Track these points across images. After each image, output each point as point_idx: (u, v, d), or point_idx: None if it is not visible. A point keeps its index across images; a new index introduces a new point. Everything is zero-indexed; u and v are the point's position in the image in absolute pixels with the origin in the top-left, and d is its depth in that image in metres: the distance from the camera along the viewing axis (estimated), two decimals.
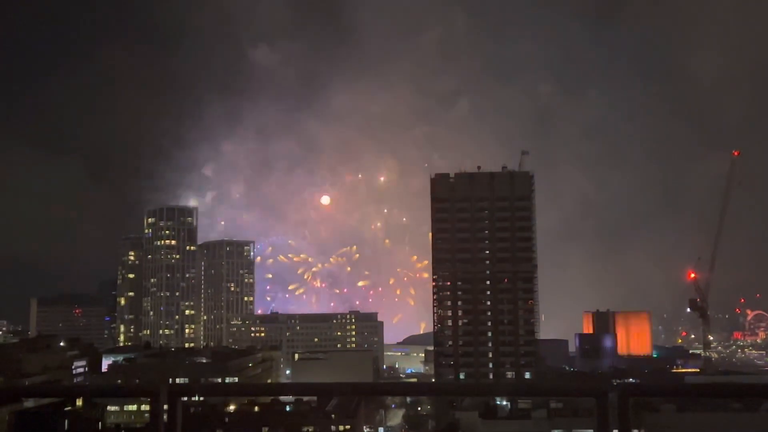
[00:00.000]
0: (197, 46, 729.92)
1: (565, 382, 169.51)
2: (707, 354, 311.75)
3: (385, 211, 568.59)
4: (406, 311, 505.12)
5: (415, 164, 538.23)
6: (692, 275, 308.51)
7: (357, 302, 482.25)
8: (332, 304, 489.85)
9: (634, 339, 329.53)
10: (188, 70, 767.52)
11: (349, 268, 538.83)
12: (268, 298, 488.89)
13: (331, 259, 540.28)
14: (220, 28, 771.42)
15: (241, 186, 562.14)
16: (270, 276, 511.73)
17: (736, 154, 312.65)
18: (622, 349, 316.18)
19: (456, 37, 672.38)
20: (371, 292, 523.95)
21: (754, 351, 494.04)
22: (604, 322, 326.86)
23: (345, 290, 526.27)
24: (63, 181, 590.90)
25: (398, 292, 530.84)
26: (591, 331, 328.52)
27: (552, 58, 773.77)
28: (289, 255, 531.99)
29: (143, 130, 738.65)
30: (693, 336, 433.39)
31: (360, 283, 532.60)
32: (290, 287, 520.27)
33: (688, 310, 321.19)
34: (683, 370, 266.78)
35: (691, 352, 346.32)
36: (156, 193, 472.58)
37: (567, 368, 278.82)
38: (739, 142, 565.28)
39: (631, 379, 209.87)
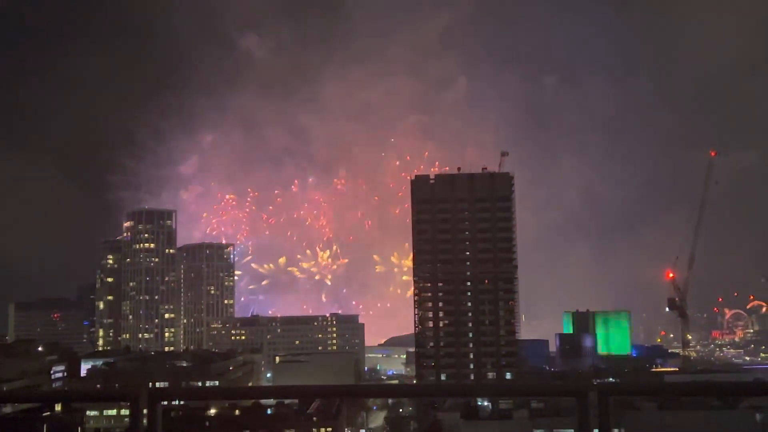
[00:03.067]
0: (178, 36, 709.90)
1: (545, 383, 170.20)
2: (686, 353, 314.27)
3: (375, 198, 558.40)
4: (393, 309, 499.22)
5: (414, 157, 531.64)
6: (671, 275, 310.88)
7: (353, 302, 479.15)
8: (324, 299, 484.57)
9: (613, 339, 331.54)
10: (168, 62, 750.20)
11: (337, 266, 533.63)
12: (242, 299, 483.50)
13: (319, 259, 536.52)
14: (201, 11, 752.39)
15: (225, 182, 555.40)
16: (252, 288, 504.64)
17: (713, 153, 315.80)
18: (602, 349, 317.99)
19: (457, 24, 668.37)
20: (357, 302, 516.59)
21: (732, 350, 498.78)
22: (584, 322, 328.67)
23: (328, 294, 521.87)
24: (38, 183, 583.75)
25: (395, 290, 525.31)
26: (571, 332, 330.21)
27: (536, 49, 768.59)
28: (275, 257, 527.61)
29: (120, 127, 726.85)
30: (672, 335, 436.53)
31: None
32: (264, 283, 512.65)
33: (667, 309, 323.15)
34: (662, 369, 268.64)
35: (670, 351, 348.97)
36: (135, 193, 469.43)
37: (548, 368, 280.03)
38: (719, 141, 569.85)
39: (611, 379, 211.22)
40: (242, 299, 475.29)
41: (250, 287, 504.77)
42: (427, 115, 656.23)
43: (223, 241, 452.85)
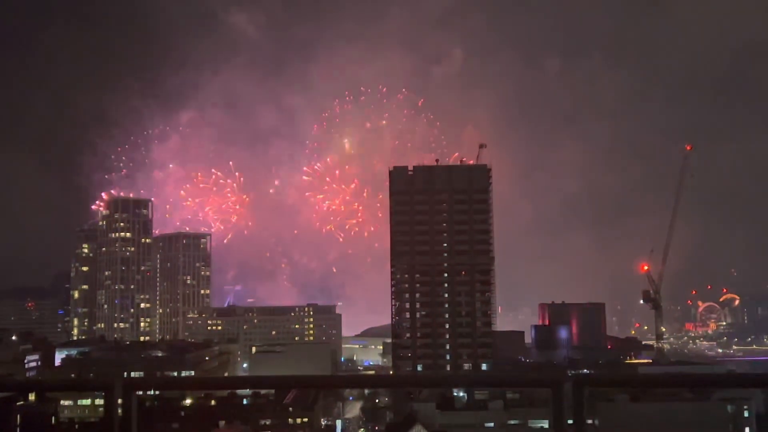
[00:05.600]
0: (158, 9, 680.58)
1: (521, 373, 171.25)
2: (660, 345, 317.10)
3: (365, 194, 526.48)
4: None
5: (406, 140, 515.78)
6: (645, 267, 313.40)
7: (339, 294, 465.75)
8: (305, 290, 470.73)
9: (588, 330, 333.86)
10: (147, 38, 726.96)
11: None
12: (225, 287, 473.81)
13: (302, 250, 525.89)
14: None
15: (207, 164, 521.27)
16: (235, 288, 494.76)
17: (689, 147, 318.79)
18: (577, 341, 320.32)
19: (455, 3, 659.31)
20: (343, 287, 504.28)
21: (705, 342, 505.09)
22: (560, 314, 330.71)
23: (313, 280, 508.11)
24: (8, 169, 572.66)
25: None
26: (547, 323, 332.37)
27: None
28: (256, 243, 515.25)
29: (96, 108, 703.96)
30: (646, 327, 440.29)
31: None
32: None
33: (642, 301, 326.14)
34: (636, 361, 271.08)
35: (644, 343, 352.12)
36: (110, 177, 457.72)
37: (523, 359, 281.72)
38: (695, 135, 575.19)
39: (585, 370, 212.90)
40: (225, 288, 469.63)
41: (229, 276, 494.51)
42: (421, 95, 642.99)
43: (203, 229, 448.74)
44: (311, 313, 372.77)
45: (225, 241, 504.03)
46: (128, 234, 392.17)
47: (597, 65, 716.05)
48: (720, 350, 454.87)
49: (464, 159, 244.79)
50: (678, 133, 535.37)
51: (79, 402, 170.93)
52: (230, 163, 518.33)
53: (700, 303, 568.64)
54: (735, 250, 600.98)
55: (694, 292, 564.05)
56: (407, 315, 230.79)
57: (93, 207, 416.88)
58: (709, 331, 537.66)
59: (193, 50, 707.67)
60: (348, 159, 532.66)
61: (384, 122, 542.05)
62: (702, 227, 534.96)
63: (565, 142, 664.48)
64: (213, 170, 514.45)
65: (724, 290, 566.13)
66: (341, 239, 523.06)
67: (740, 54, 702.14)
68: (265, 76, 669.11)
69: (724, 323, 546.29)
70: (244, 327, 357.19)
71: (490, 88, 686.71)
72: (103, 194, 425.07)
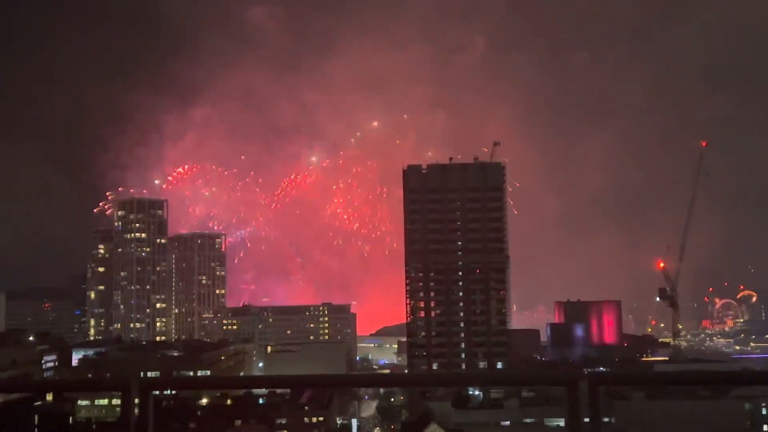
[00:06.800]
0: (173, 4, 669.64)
1: (536, 372, 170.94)
2: (676, 342, 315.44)
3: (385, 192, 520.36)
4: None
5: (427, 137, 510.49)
6: (661, 264, 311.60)
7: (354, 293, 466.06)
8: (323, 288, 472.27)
9: (604, 328, 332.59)
10: (162, 33, 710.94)
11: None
12: (241, 286, 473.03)
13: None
14: None
15: (224, 162, 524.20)
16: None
17: (704, 144, 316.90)
18: (592, 339, 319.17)
19: None
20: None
21: (722, 339, 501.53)
22: (575, 312, 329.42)
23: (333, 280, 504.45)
24: (25, 170, 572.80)
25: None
26: (562, 321, 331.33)
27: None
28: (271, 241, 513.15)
29: (109, 107, 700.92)
30: (662, 325, 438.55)
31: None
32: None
33: (658, 299, 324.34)
34: (653, 359, 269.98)
35: (660, 340, 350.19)
36: (125, 176, 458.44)
37: (539, 358, 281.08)
38: (713, 132, 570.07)
39: (601, 368, 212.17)
40: (241, 287, 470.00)
41: (248, 276, 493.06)
42: (443, 88, 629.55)
43: (216, 229, 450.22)
44: (326, 312, 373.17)
45: (241, 239, 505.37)
46: (144, 235, 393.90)
47: (622, 58, 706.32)
48: (737, 347, 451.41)
49: (478, 157, 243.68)
50: (699, 128, 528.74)
51: (96, 402, 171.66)
52: (242, 157, 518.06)
53: (717, 300, 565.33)
54: (752, 246, 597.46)
55: (711, 289, 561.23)
56: (422, 314, 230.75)
57: (95, 210, 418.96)
58: (726, 329, 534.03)
59: (208, 45, 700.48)
60: (368, 155, 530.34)
61: (405, 116, 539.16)
62: (719, 223, 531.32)
63: (586, 137, 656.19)
64: (223, 168, 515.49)
65: (741, 287, 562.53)
66: (359, 237, 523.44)
67: None
68: (283, 70, 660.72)
69: (742, 320, 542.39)
70: (259, 326, 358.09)
71: (514, 80, 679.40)
72: (107, 195, 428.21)
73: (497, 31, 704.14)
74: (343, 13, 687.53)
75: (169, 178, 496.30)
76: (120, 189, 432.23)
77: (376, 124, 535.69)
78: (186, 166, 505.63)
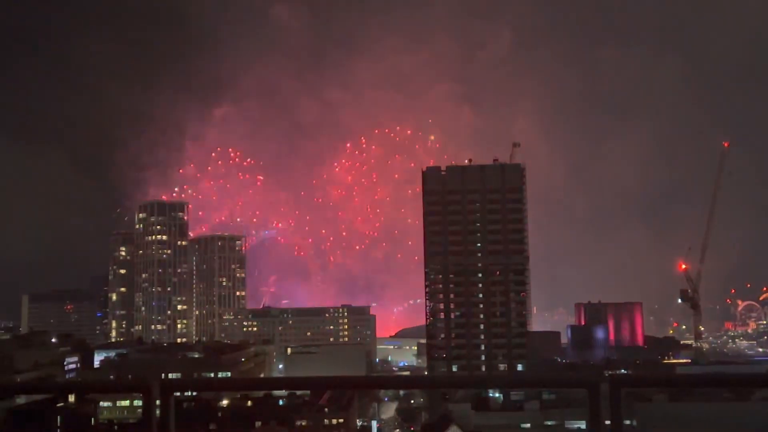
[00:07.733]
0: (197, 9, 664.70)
1: (557, 374, 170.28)
2: (698, 344, 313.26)
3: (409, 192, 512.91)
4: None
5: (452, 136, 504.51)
6: (683, 266, 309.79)
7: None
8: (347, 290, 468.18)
9: (625, 330, 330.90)
10: (184, 36, 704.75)
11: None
12: (262, 288, 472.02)
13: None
14: None
15: (244, 162, 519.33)
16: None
17: (726, 144, 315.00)
18: (613, 341, 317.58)
19: None
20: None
21: (744, 341, 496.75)
22: (596, 313, 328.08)
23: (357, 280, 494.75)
24: (49, 174, 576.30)
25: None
26: (583, 323, 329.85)
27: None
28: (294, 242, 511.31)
29: (131, 112, 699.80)
30: (684, 326, 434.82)
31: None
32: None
33: (680, 300, 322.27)
34: (674, 361, 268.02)
35: (682, 342, 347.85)
36: (148, 179, 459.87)
37: (559, 360, 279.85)
38: (741, 131, 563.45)
39: (622, 370, 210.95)
40: (262, 289, 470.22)
41: (270, 279, 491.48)
42: (467, 85, 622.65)
43: (241, 227, 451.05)
44: (345, 314, 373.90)
45: (263, 240, 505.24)
46: (164, 237, 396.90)
47: (650, 54, 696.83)
48: (760, 349, 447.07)
49: (497, 158, 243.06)
50: (729, 126, 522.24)
51: (118, 403, 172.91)
52: (261, 161, 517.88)
53: (739, 302, 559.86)
54: None
55: (733, 290, 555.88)
56: (441, 315, 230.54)
57: (118, 210, 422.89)
58: (749, 330, 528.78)
59: (231, 43, 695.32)
60: (393, 153, 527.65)
61: (430, 120, 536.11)
62: (742, 224, 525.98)
63: (612, 135, 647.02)
64: (246, 166, 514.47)
65: (764, 288, 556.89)
66: (382, 239, 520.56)
67: None
68: (305, 68, 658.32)
69: (765, 322, 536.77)
70: (279, 328, 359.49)
71: (540, 77, 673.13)
72: (123, 200, 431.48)
73: (523, 27, 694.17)
74: (367, 11, 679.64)
75: (190, 179, 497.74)
76: (142, 192, 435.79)
77: (400, 122, 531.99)
78: (209, 167, 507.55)
